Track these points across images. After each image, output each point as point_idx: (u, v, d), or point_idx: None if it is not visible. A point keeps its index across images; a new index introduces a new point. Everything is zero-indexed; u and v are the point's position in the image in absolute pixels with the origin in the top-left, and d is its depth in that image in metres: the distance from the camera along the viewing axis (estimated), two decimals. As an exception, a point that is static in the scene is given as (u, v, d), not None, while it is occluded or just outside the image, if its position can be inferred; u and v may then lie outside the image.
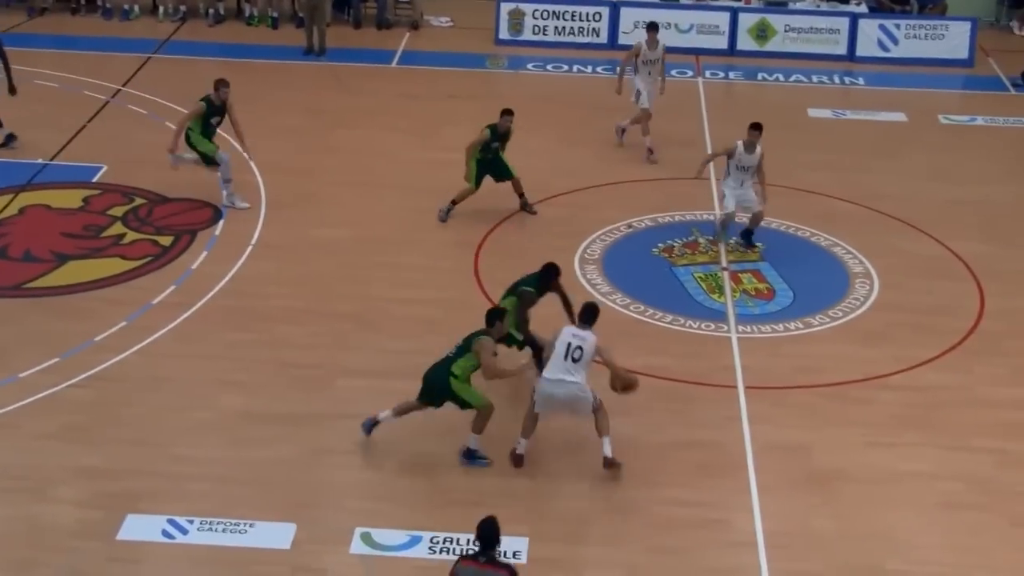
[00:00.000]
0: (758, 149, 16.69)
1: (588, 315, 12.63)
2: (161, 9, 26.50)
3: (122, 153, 19.23)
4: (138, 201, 17.99)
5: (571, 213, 17.97)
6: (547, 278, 13.78)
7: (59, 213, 17.62)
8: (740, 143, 16.72)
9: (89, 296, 15.66)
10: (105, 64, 23.41)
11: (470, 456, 12.72)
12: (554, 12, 25.43)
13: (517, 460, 12.64)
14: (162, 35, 25.53)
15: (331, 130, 20.95)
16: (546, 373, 12.46)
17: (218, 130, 17.76)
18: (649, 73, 19.94)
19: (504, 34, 25.56)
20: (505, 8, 25.45)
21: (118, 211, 17.71)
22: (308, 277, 16.18)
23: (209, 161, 17.59)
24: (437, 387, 12.61)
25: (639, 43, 20.05)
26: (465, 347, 12.52)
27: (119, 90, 22.16)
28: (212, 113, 17.54)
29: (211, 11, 26.41)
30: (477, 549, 9.58)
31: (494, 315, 12.67)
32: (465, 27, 26.50)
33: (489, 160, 17.45)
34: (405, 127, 21.08)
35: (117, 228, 17.26)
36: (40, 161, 18.99)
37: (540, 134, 19.96)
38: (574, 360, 12.37)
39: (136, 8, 26.57)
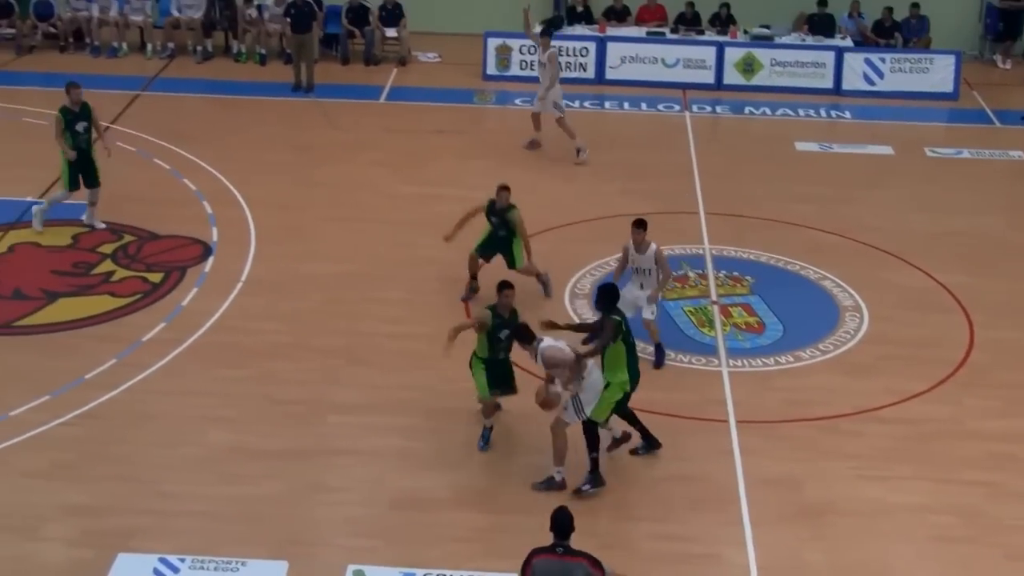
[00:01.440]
0: (651, 248, 14.90)
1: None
2: (149, 46, 26.55)
3: (111, 190, 19.21)
4: (127, 238, 17.99)
5: (559, 247, 17.96)
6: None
7: (48, 250, 17.60)
8: (630, 242, 15.03)
9: (79, 334, 15.62)
10: (93, 101, 22.99)
11: (484, 437, 13.46)
12: (541, 47, 25.54)
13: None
14: (150, 72, 25.57)
15: (319, 166, 20.97)
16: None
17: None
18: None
19: (492, 69, 25.66)
20: (492, 44, 25.56)
21: (107, 248, 17.71)
22: (297, 312, 16.18)
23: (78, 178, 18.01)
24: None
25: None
26: None
27: (107, 127, 22.10)
28: (73, 120, 17.73)
29: (199, 48, 26.46)
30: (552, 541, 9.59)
31: (503, 285, 13.32)
32: (453, 63, 26.60)
33: (500, 238, 16.39)
34: (392, 162, 21.13)
35: (107, 265, 17.25)
36: (29, 199, 18.95)
37: (528, 168, 20.02)
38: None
39: (124, 46, 26.59)
